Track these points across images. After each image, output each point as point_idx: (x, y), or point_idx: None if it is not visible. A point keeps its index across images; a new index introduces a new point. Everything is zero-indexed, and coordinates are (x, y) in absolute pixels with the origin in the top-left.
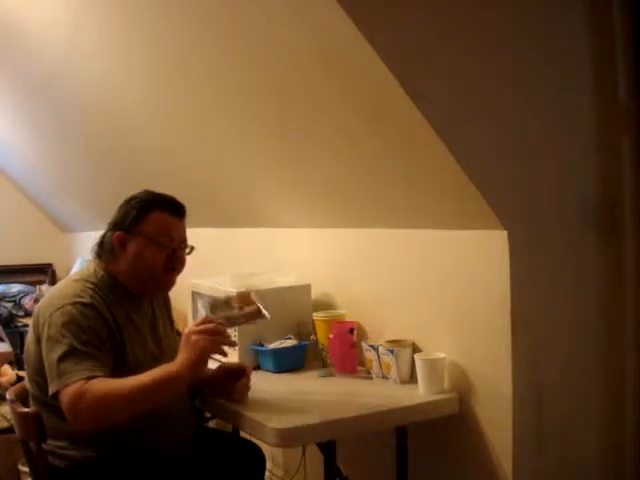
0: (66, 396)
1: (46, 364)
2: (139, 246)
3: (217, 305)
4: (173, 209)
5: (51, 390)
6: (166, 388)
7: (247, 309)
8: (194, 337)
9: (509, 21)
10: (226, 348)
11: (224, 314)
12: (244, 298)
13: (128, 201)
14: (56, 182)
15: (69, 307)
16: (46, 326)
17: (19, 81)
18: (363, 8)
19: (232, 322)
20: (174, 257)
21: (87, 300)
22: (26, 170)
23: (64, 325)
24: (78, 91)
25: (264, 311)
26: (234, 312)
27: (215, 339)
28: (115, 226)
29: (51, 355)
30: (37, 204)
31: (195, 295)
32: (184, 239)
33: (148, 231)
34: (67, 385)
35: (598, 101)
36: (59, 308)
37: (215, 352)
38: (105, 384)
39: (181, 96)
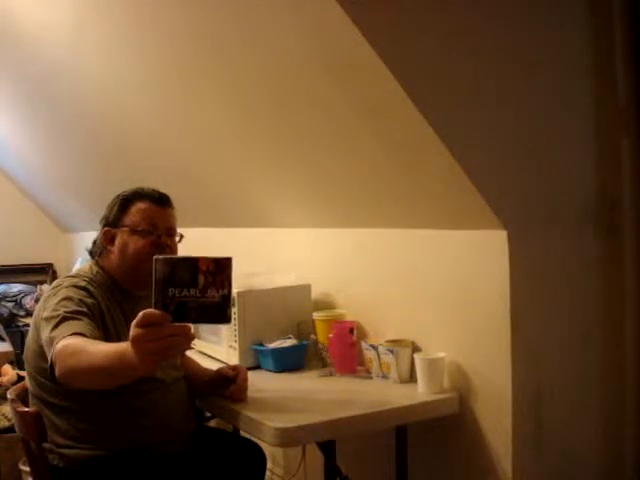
0: (55, 355)
1: (43, 343)
2: (124, 237)
3: (175, 273)
4: (155, 198)
5: (49, 362)
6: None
7: (213, 293)
8: (138, 346)
9: (509, 22)
10: (223, 347)
11: (181, 294)
12: (217, 265)
13: (114, 198)
14: (56, 182)
15: (63, 289)
16: (43, 313)
17: (19, 81)
18: (363, 8)
19: (191, 312)
20: (159, 244)
21: (82, 284)
22: (26, 170)
23: (57, 303)
24: (79, 91)
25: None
26: (194, 294)
27: (165, 346)
28: (103, 223)
29: (46, 331)
30: (37, 204)
31: None
32: (171, 227)
33: (131, 221)
34: (56, 347)
35: (598, 101)
36: (55, 294)
37: (167, 357)
38: (86, 340)
39: (181, 96)
